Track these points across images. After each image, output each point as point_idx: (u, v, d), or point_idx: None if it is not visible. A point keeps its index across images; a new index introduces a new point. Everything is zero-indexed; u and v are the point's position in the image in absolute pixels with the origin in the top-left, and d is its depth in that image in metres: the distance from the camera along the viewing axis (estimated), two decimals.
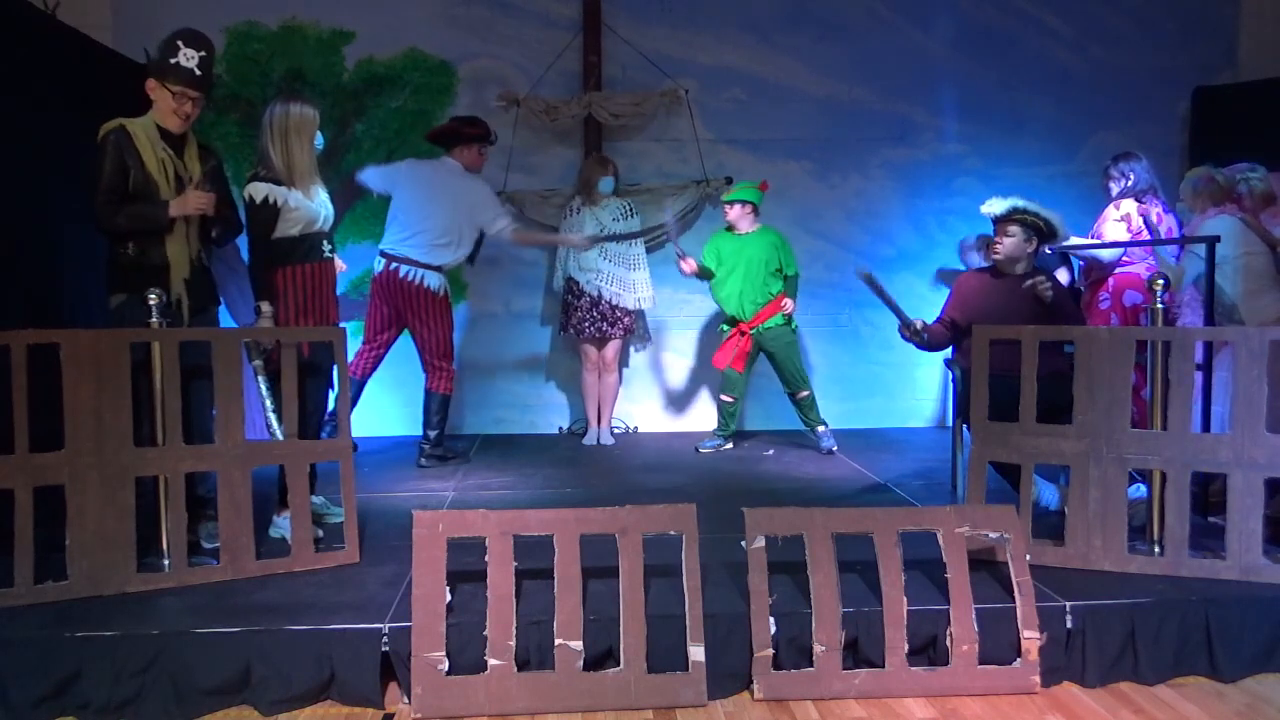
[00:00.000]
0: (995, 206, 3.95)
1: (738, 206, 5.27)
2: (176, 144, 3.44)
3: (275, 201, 3.58)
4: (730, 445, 5.51)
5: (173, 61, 3.34)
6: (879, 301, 3.95)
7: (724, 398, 5.45)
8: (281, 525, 3.57)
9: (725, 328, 5.41)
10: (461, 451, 5.33)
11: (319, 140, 3.75)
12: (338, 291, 3.91)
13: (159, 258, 3.37)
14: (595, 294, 5.42)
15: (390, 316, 4.94)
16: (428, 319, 4.89)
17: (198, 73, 3.38)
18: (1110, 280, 5.01)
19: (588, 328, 5.46)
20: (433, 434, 5.05)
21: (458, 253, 4.97)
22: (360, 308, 5.69)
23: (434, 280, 4.86)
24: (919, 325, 3.94)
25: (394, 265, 4.83)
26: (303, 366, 3.47)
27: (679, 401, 6.17)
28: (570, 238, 5.35)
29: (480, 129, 5.02)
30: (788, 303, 5.26)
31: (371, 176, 5.02)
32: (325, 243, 3.77)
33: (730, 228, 5.33)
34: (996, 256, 3.96)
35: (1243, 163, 4.46)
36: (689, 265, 5.26)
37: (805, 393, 5.35)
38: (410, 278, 4.82)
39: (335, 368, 3.56)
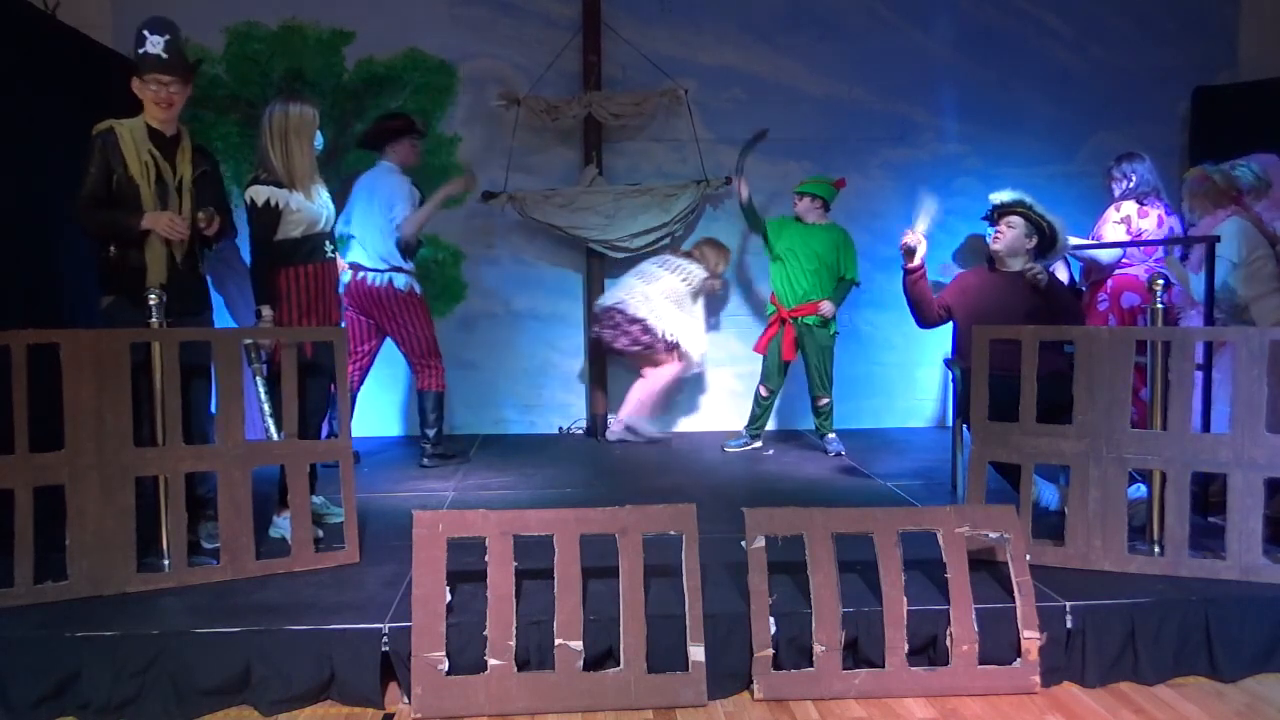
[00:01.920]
0: (1002, 195, 3.96)
1: (807, 199, 5.30)
2: (168, 145, 3.41)
3: (277, 204, 3.57)
4: (759, 444, 5.49)
5: (140, 52, 3.33)
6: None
7: (761, 390, 5.44)
8: (281, 525, 3.57)
9: (771, 308, 5.44)
10: (463, 450, 5.33)
11: (319, 140, 3.74)
12: (339, 291, 3.91)
13: (136, 261, 3.36)
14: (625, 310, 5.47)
15: (369, 326, 4.94)
16: (404, 321, 4.88)
17: (164, 56, 3.33)
18: (1109, 281, 5.00)
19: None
20: (432, 433, 5.04)
21: (407, 248, 4.92)
22: None
23: (400, 280, 4.85)
24: (924, 222, 4.18)
25: (360, 274, 4.83)
26: (304, 367, 3.47)
27: (679, 402, 6.16)
28: (448, 188, 4.97)
29: (401, 121, 4.97)
30: (826, 305, 5.23)
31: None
32: (327, 243, 3.76)
33: (798, 217, 5.35)
34: (996, 246, 3.97)
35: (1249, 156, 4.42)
36: (743, 187, 5.40)
37: (825, 400, 5.36)
38: (377, 282, 4.81)
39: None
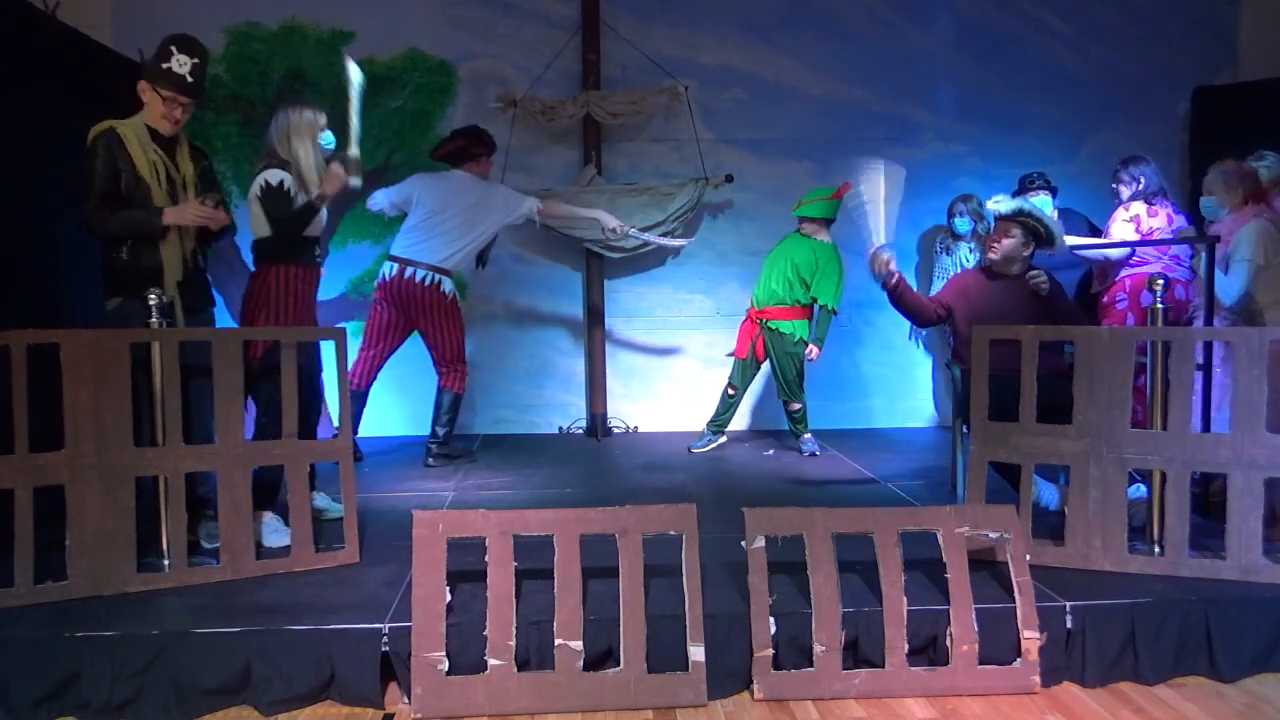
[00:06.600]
0: (1002, 205, 3.95)
1: (808, 222, 5.21)
2: (167, 145, 3.42)
3: (289, 189, 3.59)
4: (724, 439, 5.47)
5: (165, 67, 3.31)
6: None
7: (728, 389, 5.41)
8: (266, 533, 3.50)
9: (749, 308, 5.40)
10: (468, 450, 5.33)
11: (326, 140, 3.72)
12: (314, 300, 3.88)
13: (152, 261, 3.34)
14: None
15: (396, 320, 4.92)
16: (442, 323, 4.89)
17: (189, 80, 3.34)
18: (1127, 281, 4.98)
19: None
20: (442, 432, 5.03)
21: (469, 259, 5.02)
22: (360, 308, 5.69)
23: (447, 284, 4.88)
24: (887, 257, 3.81)
25: (408, 270, 4.81)
26: (255, 371, 3.45)
27: (679, 401, 6.16)
28: (605, 218, 5.17)
29: (489, 145, 5.06)
30: (813, 350, 5.14)
31: (382, 199, 5.00)
32: (316, 248, 3.75)
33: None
34: (993, 255, 3.96)
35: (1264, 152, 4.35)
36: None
37: (797, 406, 5.31)
38: (425, 281, 4.81)
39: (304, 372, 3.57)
